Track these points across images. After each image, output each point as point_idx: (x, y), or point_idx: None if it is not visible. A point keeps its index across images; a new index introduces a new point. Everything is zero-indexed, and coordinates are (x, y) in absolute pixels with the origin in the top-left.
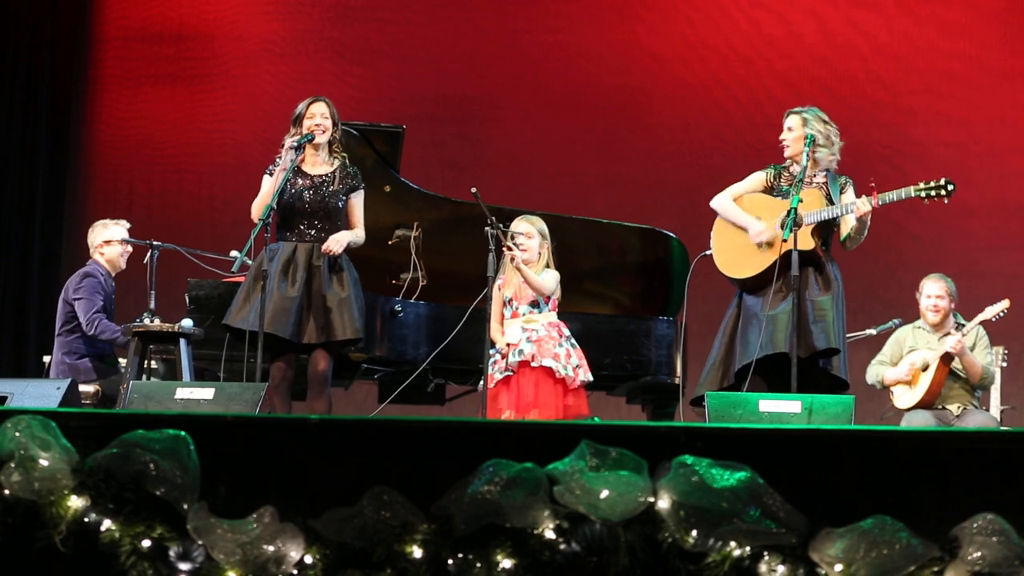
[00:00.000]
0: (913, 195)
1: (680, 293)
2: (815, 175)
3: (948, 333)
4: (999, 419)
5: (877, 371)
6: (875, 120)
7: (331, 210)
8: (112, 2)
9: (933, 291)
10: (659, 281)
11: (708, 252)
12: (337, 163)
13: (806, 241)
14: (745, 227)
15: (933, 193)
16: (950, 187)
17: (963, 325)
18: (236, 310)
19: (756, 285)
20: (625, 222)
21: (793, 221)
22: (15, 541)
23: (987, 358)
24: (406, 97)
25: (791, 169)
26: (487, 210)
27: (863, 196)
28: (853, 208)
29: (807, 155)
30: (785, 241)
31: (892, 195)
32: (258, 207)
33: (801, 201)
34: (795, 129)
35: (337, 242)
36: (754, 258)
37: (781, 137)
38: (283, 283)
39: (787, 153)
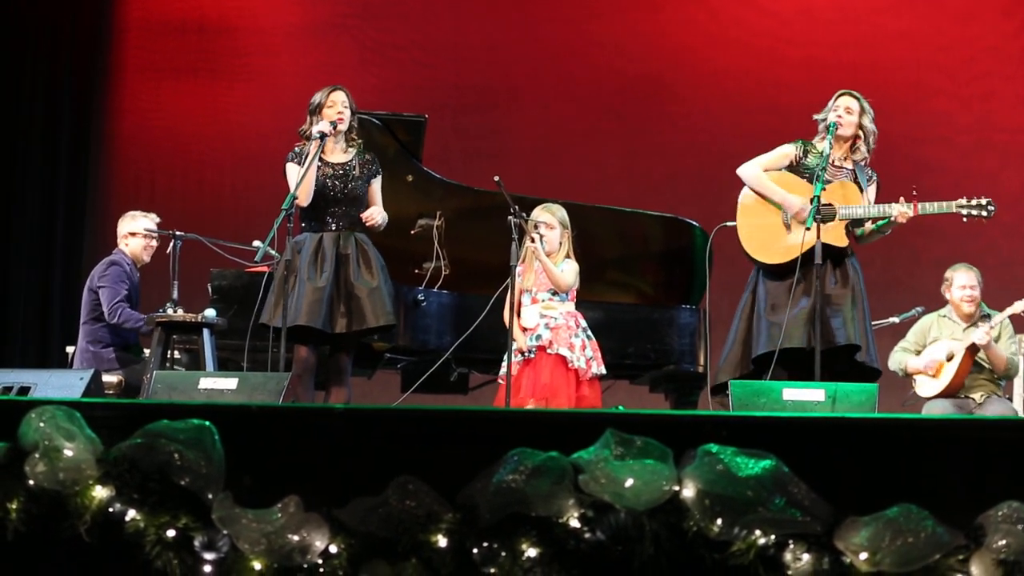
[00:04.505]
0: (955, 211)
1: (703, 282)
2: (844, 162)
3: (975, 323)
4: (1021, 409)
5: (900, 358)
6: (897, 108)
7: (355, 197)
8: None
9: (966, 281)
10: (681, 270)
11: (731, 224)
12: (354, 150)
13: (839, 237)
14: (780, 202)
15: (975, 212)
16: (991, 207)
17: (989, 316)
18: (272, 307)
19: (777, 271)
20: (647, 211)
21: (816, 211)
22: (40, 531)
23: (1011, 348)
24: (428, 86)
25: (817, 146)
26: (510, 199)
27: (903, 202)
28: (893, 213)
29: (829, 143)
30: (808, 230)
31: (933, 207)
32: (302, 191)
33: (824, 190)
34: (854, 112)
35: (381, 214)
36: (781, 244)
37: (837, 116)
38: (312, 274)
39: (845, 132)
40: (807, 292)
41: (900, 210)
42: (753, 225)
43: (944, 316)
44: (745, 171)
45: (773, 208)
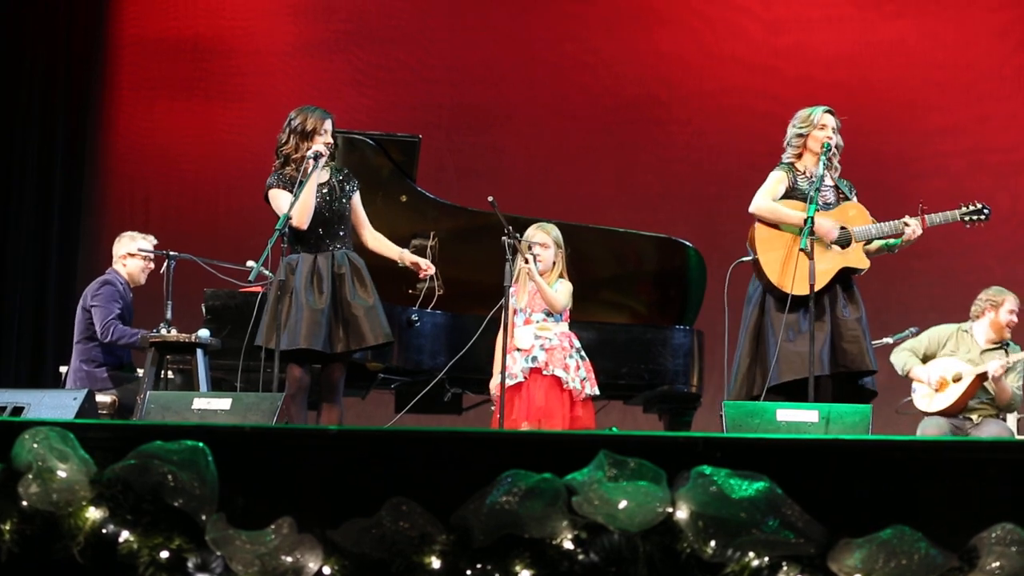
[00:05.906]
0: (959, 219)
1: (697, 302)
2: (824, 178)
3: (1000, 347)
4: (1015, 430)
5: (907, 360)
6: (891, 129)
7: (342, 215)
8: (128, 13)
9: (1017, 307)
10: (676, 290)
11: (745, 259)
12: (330, 170)
13: (861, 259)
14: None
15: (975, 217)
16: (987, 211)
17: (1008, 345)
18: (267, 329)
19: (802, 299)
20: (642, 231)
21: (810, 231)
22: (34, 553)
23: (1017, 382)
24: (422, 106)
25: (799, 167)
26: (504, 219)
27: (911, 217)
28: (905, 229)
29: (823, 163)
30: (803, 250)
31: (938, 218)
32: (303, 214)
33: (818, 209)
34: (837, 129)
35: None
36: (807, 271)
37: (827, 136)
38: (310, 295)
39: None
40: (820, 317)
41: (910, 230)
42: (778, 259)
43: (965, 331)
44: (758, 206)
45: (792, 237)
